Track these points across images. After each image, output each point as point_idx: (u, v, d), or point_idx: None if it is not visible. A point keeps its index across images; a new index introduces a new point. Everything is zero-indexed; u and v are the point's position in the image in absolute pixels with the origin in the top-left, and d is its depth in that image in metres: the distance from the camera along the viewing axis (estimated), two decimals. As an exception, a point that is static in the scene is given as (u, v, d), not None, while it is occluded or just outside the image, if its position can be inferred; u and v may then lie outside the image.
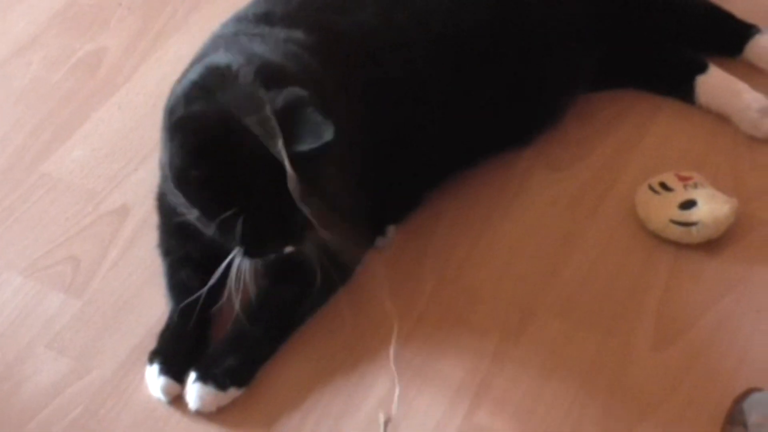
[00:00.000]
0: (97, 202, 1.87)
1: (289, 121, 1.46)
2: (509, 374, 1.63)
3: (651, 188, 1.81)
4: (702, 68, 1.96)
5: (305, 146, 1.45)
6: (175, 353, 1.63)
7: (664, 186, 1.80)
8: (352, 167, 1.65)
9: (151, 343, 1.65)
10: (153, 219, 1.78)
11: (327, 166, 1.51)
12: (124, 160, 1.94)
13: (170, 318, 1.67)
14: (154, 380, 1.61)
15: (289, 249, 1.55)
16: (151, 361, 1.63)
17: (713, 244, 1.76)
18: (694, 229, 1.74)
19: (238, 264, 1.55)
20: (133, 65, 2.11)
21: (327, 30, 1.71)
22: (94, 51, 2.15)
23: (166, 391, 1.60)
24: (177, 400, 1.61)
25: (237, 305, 1.60)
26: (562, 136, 1.94)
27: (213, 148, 1.47)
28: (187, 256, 1.70)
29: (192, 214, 1.55)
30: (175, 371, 1.61)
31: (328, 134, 1.45)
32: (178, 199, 1.56)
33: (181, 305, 1.66)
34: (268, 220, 1.50)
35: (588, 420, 1.58)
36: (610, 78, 2.00)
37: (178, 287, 1.69)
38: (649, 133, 1.95)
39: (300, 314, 1.69)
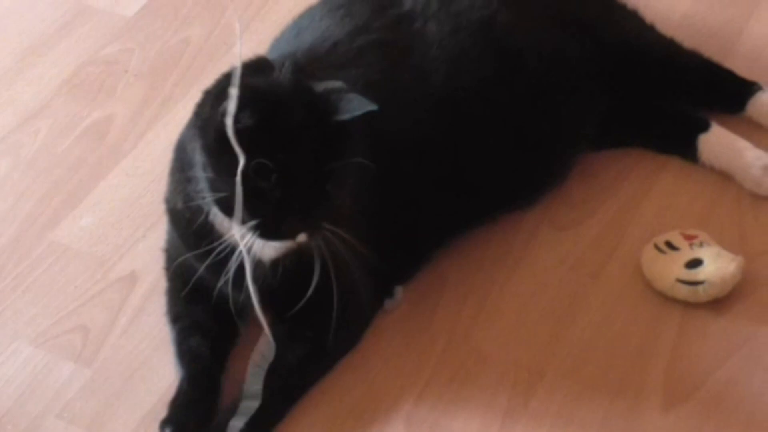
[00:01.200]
0: (106, 269, 1.88)
1: (333, 99, 1.50)
2: (519, 436, 1.64)
3: (657, 247, 1.81)
4: (704, 127, 1.96)
5: (350, 114, 1.48)
6: (186, 421, 1.63)
7: (669, 245, 1.81)
8: (359, 223, 1.66)
9: (162, 411, 1.65)
10: (162, 286, 1.79)
11: (355, 169, 1.52)
12: (132, 227, 1.95)
13: (180, 386, 1.67)
14: None
15: (302, 237, 1.52)
16: (162, 429, 1.63)
17: (720, 303, 1.77)
18: (701, 288, 1.74)
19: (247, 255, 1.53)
20: (140, 132, 2.13)
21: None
22: (102, 118, 2.16)
23: None
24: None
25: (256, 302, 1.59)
26: (566, 196, 1.94)
27: (268, 99, 1.49)
28: (196, 323, 1.71)
29: (207, 179, 1.52)
30: None
31: (370, 105, 1.48)
32: (196, 159, 1.54)
33: (192, 373, 1.66)
34: (298, 192, 1.49)
35: (599, 482, 1.58)
36: (612, 137, 2.01)
37: (187, 355, 1.70)
38: (653, 191, 1.96)
39: (309, 378, 1.69)
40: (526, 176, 1.88)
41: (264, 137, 1.47)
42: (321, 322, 1.66)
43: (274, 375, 1.66)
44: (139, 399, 1.70)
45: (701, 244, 1.80)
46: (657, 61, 2.02)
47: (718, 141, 1.95)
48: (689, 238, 1.81)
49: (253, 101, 1.47)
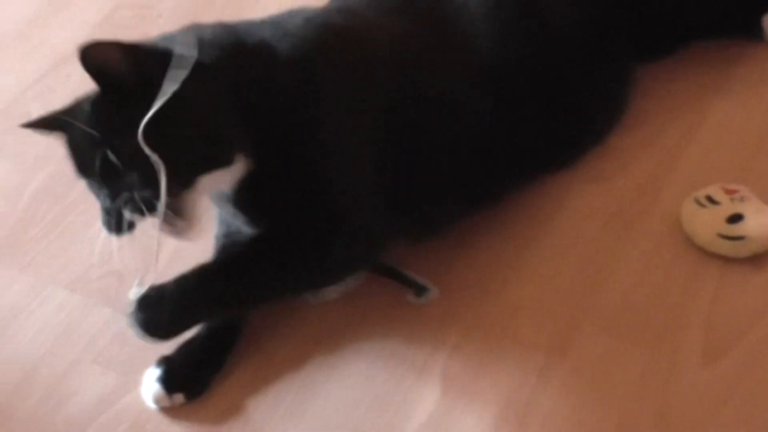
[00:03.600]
0: (140, 215, 1.87)
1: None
2: (556, 390, 1.62)
3: (697, 201, 1.79)
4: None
5: None
6: (182, 368, 1.63)
7: (710, 199, 1.79)
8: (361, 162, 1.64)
9: (196, 357, 1.65)
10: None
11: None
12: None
13: (198, 333, 1.67)
14: (149, 383, 1.62)
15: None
16: (158, 364, 1.63)
17: (760, 258, 1.75)
18: (741, 243, 1.73)
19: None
20: (174, 78, 2.11)
21: (361, 17, 1.71)
22: (135, 63, 2.14)
23: (155, 399, 1.61)
24: (223, 414, 1.60)
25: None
26: (604, 148, 1.92)
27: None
28: None
29: None
30: (171, 384, 1.61)
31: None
32: None
33: (213, 325, 1.66)
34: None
35: (637, 436, 1.58)
36: (674, 38, 2.01)
37: None
38: (693, 144, 1.94)
39: (265, 269, 1.61)
40: (567, 136, 1.86)
41: None
42: (307, 225, 1.60)
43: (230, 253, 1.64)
44: (173, 345, 1.68)
45: (742, 199, 1.78)
46: None
47: None
48: (730, 192, 1.79)
49: None
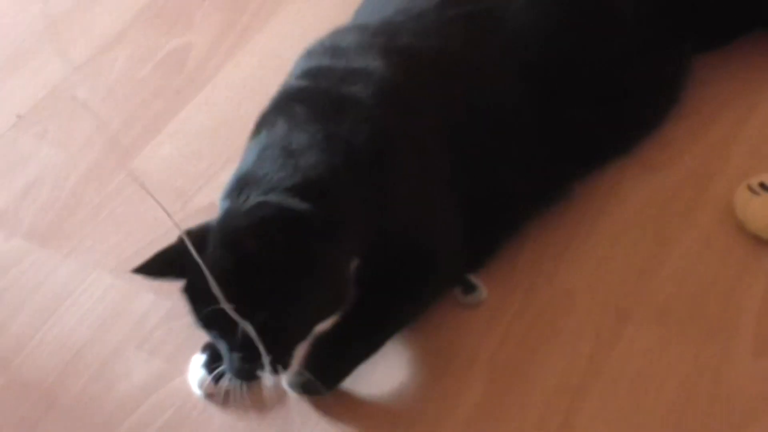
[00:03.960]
0: (185, 200, 1.87)
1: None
2: (606, 379, 1.60)
3: (750, 189, 1.76)
4: None
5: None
6: None
7: (763, 186, 1.76)
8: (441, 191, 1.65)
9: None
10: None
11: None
12: (210, 158, 1.94)
13: None
14: (195, 369, 1.61)
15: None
16: (203, 349, 1.63)
17: (814, 246, 1.72)
18: (796, 231, 1.70)
19: None
20: (219, 62, 2.11)
21: (409, 57, 1.68)
22: (180, 47, 2.14)
23: (201, 384, 1.60)
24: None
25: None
26: (656, 136, 1.90)
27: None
28: None
29: None
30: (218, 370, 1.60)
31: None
32: None
33: None
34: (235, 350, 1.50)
35: (688, 427, 1.55)
36: (732, 27, 1.98)
37: None
38: (746, 131, 1.90)
39: (387, 329, 1.64)
40: (622, 127, 1.84)
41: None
42: (404, 270, 1.64)
43: (352, 321, 1.62)
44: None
45: (796, 186, 1.75)
46: None
47: None
48: (784, 179, 1.76)
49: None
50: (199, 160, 1.93)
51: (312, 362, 1.56)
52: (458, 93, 1.69)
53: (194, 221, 1.81)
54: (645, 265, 1.73)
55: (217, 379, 1.59)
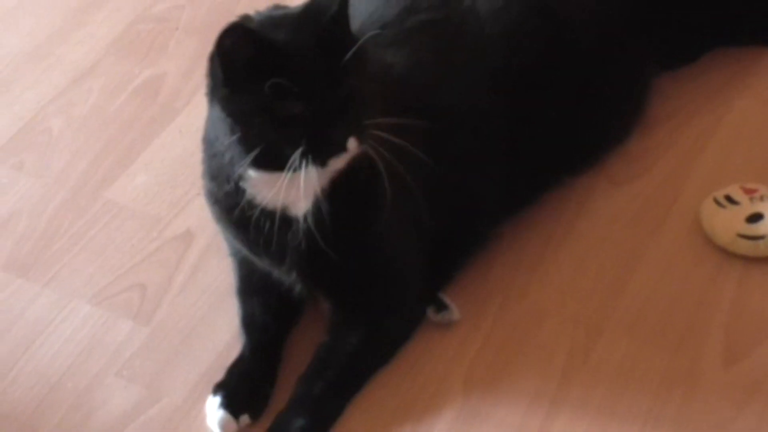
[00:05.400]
0: (161, 228, 1.89)
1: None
2: (579, 394, 1.63)
3: (716, 201, 1.79)
4: None
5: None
6: (240, 390, 1.63)
7: (729, 199, 1.78)
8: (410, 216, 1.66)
9: (221, 369, 1.66)
10: (217, 243, 1.80)
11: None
12: (186, 184, 1.95)
13: (242, 353, 1.67)
14: (213, 412, 1.61)
15: (353, 144, 1.47)
16: (215, 392, 1.63)
17: (781, 257, 1.75)
18: (762, 242, 1.73)
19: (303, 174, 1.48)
20: (193, 89, 2.12)
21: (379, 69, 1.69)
22: (154, 76, 2.16)
23: (222, 425, 1.60)
24: None
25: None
26: (622, 150, 1.92)
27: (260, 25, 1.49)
28: (260, 297, 1.71)
29: (238, 140, 1.49)
30: (235, 407, 1.61)
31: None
32: (219, 128, 1.52)
33: (255, 343, 1.68)
34: (322, 98, 1.46)
35: (660, 439, 1.57)
36: (694, 46, 2.01)
37: (251, 325, 1.70)
38: (711, 144, 1.93)
39: (364, 369, 1.67)
40: (587, 138, 1.86)
41: (266, 61, 1.44)
42: (376, 307, 1.68)
43: (330, 368, 1.65)
44: (198, 357, 1.70)
45: (762, 198, 1.77)
46: None
47: None
48: (749, 191, 1.79)
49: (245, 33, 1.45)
50: (174, 188, 1.95)
51: (301, 413, 1.59)
52: (427, 102, 1.69)
53: (171, 248, 1.85)
54: (614, 279, 1.76)
55: (236, 416, 1.60)
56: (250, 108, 1.46)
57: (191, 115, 2.06)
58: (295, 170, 1.46)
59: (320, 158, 1.47)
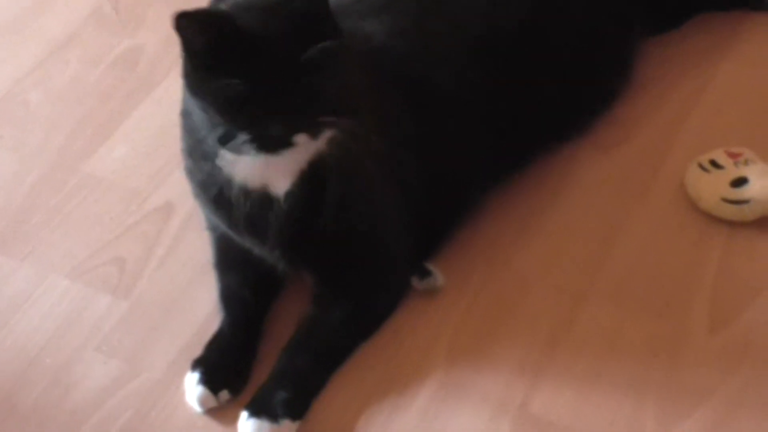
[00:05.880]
0: (140, 200, 1.87)
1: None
2: (563, 362, 1.61)
3: (700, 166, 1.78)
4: None
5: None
6: (219, 366, 1.61)
7: (713, 164, 1.77)
8: (394, 182, 1.64)
9: (200, 343, 1.64)
10: (198, 216, 1.77)
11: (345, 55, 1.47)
12: (165, 156, 1.93)
13: (221, 328, 1.66)
14: (192, 388, 1.59)
15: (301, 138, 1.43)
16: (193, 368, 1.61)
17: (766, 221, 1.73)
18: (746, 206, 1.71)
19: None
20: (172, 60, 2.08)
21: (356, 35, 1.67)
22: (132, 47, 2.13)
23: (201, 401, 1.58)
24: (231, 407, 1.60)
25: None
26: (608, 117, 1.90)
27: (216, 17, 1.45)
28: (239, 271, 1.69)
29: (205, 118, 1.47)
30: (214, 383, 1.59)
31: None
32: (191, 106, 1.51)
33: (233, 317, 1.66)
34: (274, 89, 1.41)
35: (645, 406, 1.56)
36: (680, 11, 2.01)
37: (230, 299, 1.68)
38: (696, 110, 1.92)
39: (349, 342, 1.65)
40: (574, 104, 1.84)
41: (223, 44, 1.41)
42: (363, 281, 1.66)
43: (313, 340, 1.63)
44: (178, 331, 1.68)
45: (746, 162, 1.76)
46: None
47: None
48: (734, 155, 1.77)
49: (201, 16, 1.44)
50: (154, 160, 1.93)
51: (284, 386, 1.57)
52: (409, 72, 1.68)
53: (151, 221, 1.83)
54: (599, 246, 1.75)
55: (216, 392, 1.58)
56: (207, 87, 1.44)
57: (170, 87, 2.04)
58: (250, 155, 1.44)
59: (265, 149, 1.45)
